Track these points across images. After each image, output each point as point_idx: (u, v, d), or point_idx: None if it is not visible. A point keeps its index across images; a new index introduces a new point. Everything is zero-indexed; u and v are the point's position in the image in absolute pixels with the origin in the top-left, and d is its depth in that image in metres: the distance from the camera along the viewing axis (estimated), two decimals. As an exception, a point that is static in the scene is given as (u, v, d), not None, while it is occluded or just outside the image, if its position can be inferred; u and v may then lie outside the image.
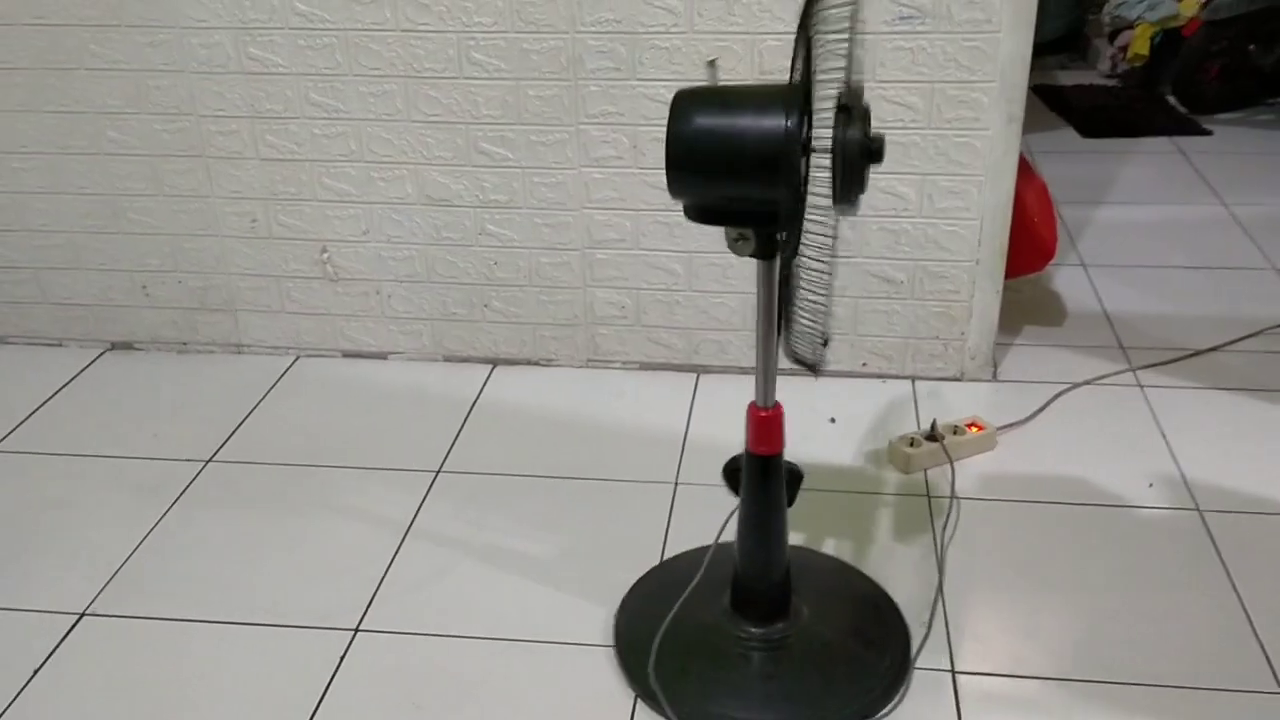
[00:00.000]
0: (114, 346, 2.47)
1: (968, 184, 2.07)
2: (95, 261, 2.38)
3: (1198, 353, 2.30)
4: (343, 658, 1.61)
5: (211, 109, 2.19)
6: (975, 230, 2.11)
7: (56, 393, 2.30)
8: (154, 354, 2.45)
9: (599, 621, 1.66)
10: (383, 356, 2.39)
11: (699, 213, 1.34)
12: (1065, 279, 2.66)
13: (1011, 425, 2.09)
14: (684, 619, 1.58)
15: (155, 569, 1.79)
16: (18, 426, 2.19)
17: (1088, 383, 2.22)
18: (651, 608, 1.63)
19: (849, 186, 1.26)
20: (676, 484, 1.96)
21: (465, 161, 2.17)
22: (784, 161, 1.23)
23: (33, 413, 2.23)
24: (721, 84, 1.47)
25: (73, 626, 1.68)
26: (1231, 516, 1.83)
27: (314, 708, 1.53)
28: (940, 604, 1.67)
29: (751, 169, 1.25)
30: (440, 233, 2.25)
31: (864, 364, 2.26)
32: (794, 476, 1.54)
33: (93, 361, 2.42)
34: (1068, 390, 2.19)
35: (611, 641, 1.62)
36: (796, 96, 1.23)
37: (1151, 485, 1.91)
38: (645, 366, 2.33)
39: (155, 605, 1.72)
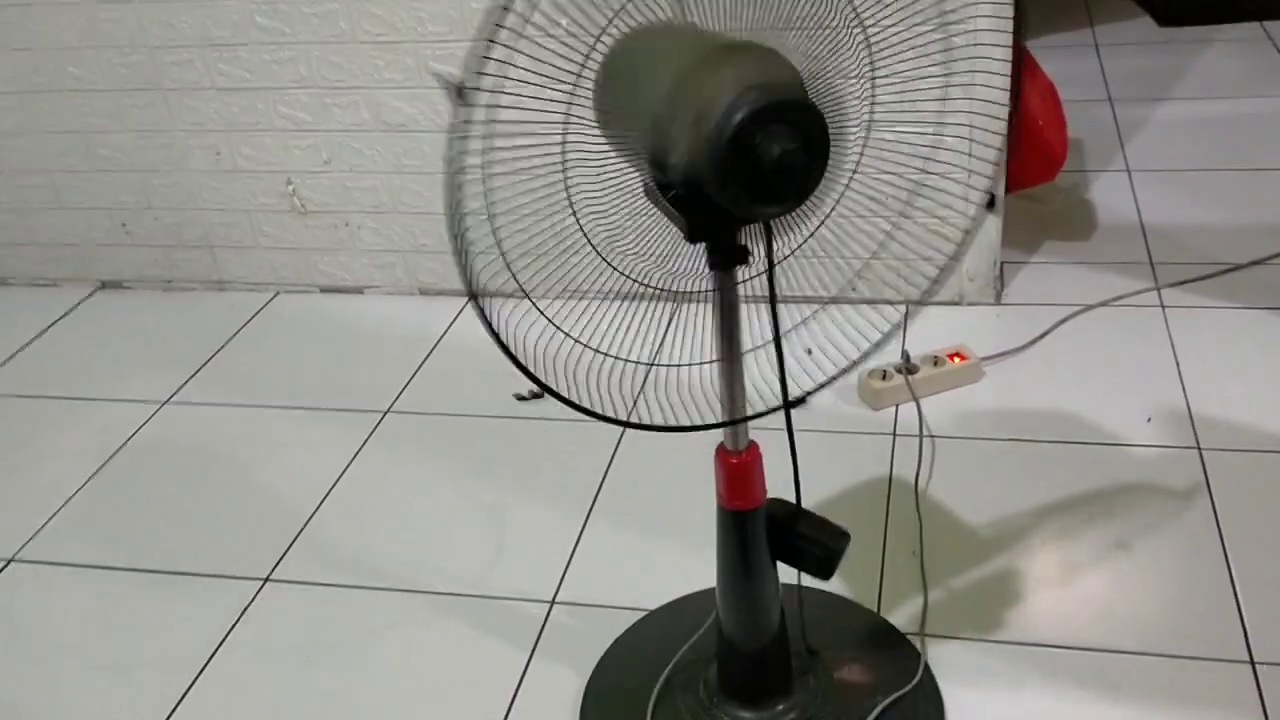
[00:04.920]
0: (104, 286, 2.46)
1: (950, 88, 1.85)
2: (74, 200, 2.36)
3: (1236, 267, 2.04)
4: (245, 609, 1.55)
5: (163, 39, 2.11)
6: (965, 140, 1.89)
7: (39, 335, 2.30)
8: (141, 292, 2.43)
9: (518, 576, 1.56)
10: (359, 291, 2.32)
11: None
12: (1103, 186, 2.40)
13: (1004, 354, 1.89)
14: (661, 700, 1.31)
15: (84, 517, 1.77)
16: (-5, 369, 2.20)
17: (1103, 304, 1.99)
18: (629, 682, 1.35)
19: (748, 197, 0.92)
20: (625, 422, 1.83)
21: (417, 83, 2.05)
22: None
23: (11, 356, 2.23)
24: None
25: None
26: (1233, 456, 1.61)
27: (205, 661, 1.48)
28: (922, 569, 1.52)
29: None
30: (401, 160, 2.14)
31: (853, 289, 2.08)
32: (829, 554, 1.16)
33: (80, 302, 2.41)
34: (1078, 313, 1.97)
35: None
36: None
37: (1150, 420, 1.70)
38: (623, 296, 2.19)
39: (78, 553, 1.69)
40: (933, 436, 1.73)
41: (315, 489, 1.76)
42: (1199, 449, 1.63)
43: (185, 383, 2.08)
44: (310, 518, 1.70)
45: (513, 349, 1.03)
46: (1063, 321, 1.95)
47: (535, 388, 1.01)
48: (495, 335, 1.01)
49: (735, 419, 1.16)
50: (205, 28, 2.08)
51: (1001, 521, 1.55)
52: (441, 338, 2.14)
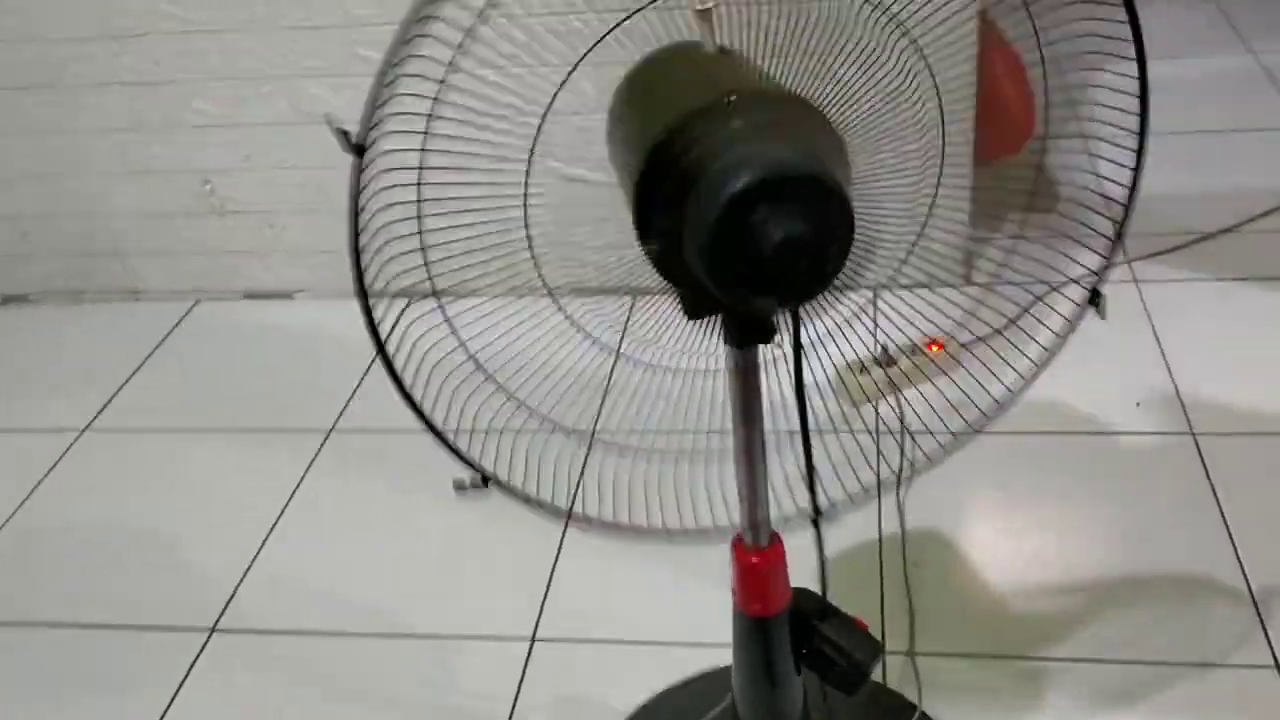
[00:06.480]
0: (6, 301, 2.26)
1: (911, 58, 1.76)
2: (-32, 209, 2.16)
3: (1206, 236, 1.99)
4: (191, 665, 1.42)
5: (59, 30, 1.93)
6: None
7: (-64, 358, 2.11)
8: (47, 307, 2.24)
9: (492, 612, 1.44)
10: (287, 296, 2.16)
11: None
12: (1060, 156, 2.33)
13: (981, 339, 1.81)
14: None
15: (3, 567, 1.61)
16: (-111, 400, 2.00)
17: (1074, 281, 1.92)
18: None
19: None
20: (593, 433, 1.72)
21: (344, 71, 1.90)
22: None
23: (-93, 383, 2.04)
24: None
25: (-93, 637, 1.51)
26: (1230, 441, 1.55)
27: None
28: (907, 589, 1.43)
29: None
30: (328, 154, 1.98)
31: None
32: (856, 669, 0.97)
33: (-21, 319, 2.22)
34: (1050, 293, 1.90)
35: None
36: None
37: (1139, 405, 1.64)
38: (577, 291, 2.07)
39: (8, 608, 1.53)
40: (913, 432, 1.65)
41: (258, 523, 1.62)
42: (1193, 434, 1.57)
43: (104, 407, 1.91)
44: (255, 556, 1.57)
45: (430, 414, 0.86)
46: (1035, 302, 1.88)
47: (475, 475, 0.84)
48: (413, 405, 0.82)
49: (755, 520, 0.96)
50: (106, 17, 1.90)
51: (993, 523, 1.48)
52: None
